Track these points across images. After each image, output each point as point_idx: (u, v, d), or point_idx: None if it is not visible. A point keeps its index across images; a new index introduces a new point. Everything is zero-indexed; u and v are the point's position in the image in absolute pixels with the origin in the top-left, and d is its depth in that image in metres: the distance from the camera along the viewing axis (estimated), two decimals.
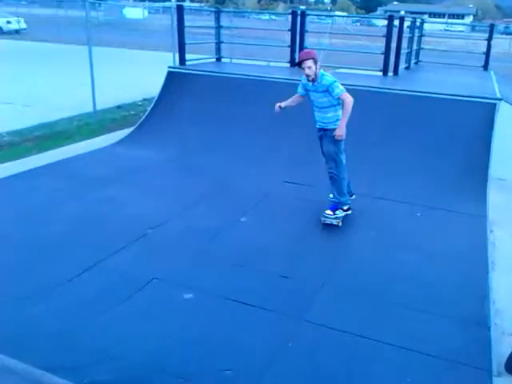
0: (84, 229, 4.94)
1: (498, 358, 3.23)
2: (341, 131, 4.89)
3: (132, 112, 10.20)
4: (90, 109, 9.55)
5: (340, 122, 4.90)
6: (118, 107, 10.61)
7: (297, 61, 4.95)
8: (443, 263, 4.51)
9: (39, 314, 3.57)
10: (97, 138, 8.20)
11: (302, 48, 10.03)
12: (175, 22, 9.70)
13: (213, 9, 11.37)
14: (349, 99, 4.82)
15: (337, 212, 5.20)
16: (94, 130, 8.68)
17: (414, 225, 5.33)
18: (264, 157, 6.96)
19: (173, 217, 5.30)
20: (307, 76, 4.89)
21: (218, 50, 10.80)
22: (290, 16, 10.26)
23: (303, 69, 4.85)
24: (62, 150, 7.44)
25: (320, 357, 3.25)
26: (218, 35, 10.66)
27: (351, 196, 5.47)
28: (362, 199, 5.77)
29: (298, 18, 9.85)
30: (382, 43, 9.25)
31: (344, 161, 5.12)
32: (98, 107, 9.64)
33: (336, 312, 3.75)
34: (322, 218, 5.19)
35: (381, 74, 9.33)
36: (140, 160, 7.09)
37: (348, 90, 7.63)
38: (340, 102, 4.92)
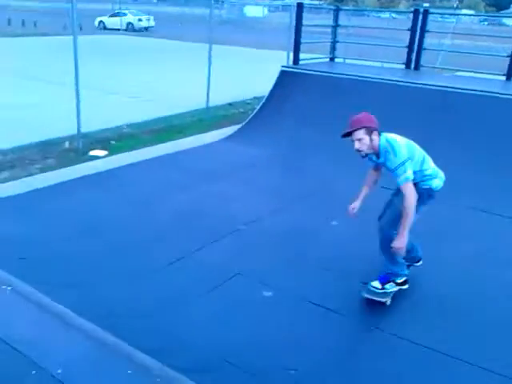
0: (183, 220, 5.22)
1: None
2: (400, 243, 3.57)
3: (241, 110, 10.49)
4: (203, 105, 9.97)
5: (399, 232, 3.56)
6: (230, 104, 10.97)
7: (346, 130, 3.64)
8: None
9: (127, 298, 3.84)
10: (208, 134, 8.55)
11: (420, 49, 9.63)
12: (293, 21, 9.79)
13: (332, 7, 11.27)
14: (410, 198, 3.50)
15: (387, 286, 3.88)
16: (205, 126, 9.05)
17: None
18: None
19: (268, 214, 5.41)
20: (357, 151, 3.63)
21: (333, 49, 10.71)
22: (411, 14, 9.87)
23: (352, 141, 3.63)
24: (174, 144, 7.87)
25: (386, 365, 3.23)
26: (334, 34, 10.57)
27: (417, 262, 4.21)
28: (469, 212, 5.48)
29: (420, 17, 9.45)
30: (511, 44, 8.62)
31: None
32: (211, 104, 10.03)
33: (412, 325, 3.67)
34: (364, 293, 3.88)
35: (504, 78, 8.68)
36: (246, 156, 7.31)
37: (465, 95, 7.34)
38: (425, 160, 3.74)
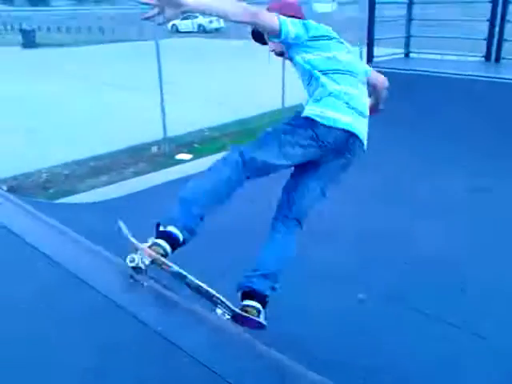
0: None
1: None
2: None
3: None
4: (279, 106, 10.19)
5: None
6: None
7: None
8: None
9: None
10: None
11: (501, 39, 9.31)
12: (363, 13, 9.78)
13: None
14: (264, 13, 2.50)
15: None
16: None
17: None
18: None
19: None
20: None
21: (407, 44, 10.57)
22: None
23: None
24: None
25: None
26: (407, 28, 10.43)
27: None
28: None
29: (500, 4, 9.11)
30: None
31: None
32: (286, 104, 10.24)
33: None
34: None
35: None
36: None
37: None
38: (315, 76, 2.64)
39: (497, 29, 9.20)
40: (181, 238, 2.44)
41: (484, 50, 9.43)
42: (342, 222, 5.34)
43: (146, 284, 2.46)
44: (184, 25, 33.77)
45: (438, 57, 10.94)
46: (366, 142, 2.69)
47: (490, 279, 4.24)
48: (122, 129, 8.87)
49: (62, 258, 2.98)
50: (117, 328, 2.40)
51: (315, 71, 2.59)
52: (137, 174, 6.92)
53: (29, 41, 26.84)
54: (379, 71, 8.47)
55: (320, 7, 39.31)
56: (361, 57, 10.50)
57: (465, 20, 12.95)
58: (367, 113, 2.72)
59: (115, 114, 10.05)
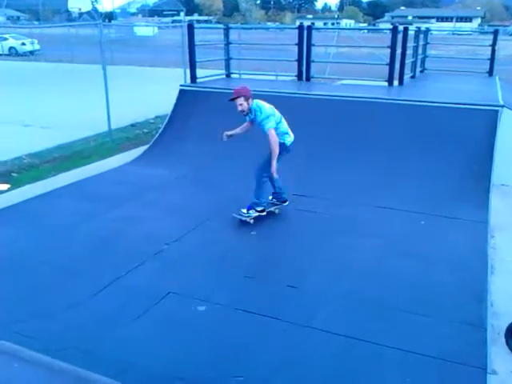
0: (102, 247, 5.20)
1: (493, 357, 3.43)
2: (272, 169, 5.48)
3: (145, 130, 10.53)
4: (105, 128, 9.85)
5: (271, 162, 5.43)
6: (132, 126, 10.94)
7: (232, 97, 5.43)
8: (443, 269, 4.72)
9: (64, 329, 3.81)
10: (112, 158, 8.50)
11: (308, 61, 10.28)
12: (184, 38, 10.05)
13: (222, 26, 11.68)
14: (273, 139, 5.34)
15: (250, 212, 5.76)
16: (109, 150, 8.99)
17: (415, 232, 5.53)
18: None
19: (187, 232, 5.55)
20: (240, 112, 5.48)
21: (228, 66, 11.10)
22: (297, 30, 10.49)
23: (236, 104, 5.42)
24: (79, 171, 7.74)
25: (325, 361, 3.48)
26: (227, 52, 10.97)
27: (283, 202, 6.08)
28: (365, 208, 6.07)
29: (305, 32, 10.11)
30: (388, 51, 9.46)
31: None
32: (113, 126, 9.94)
33: (340, 319, 3.97)
34: (235, 215, 5.79)
35: (386, 84, 9.54)
36: (154, 178, 7.36)
37: (352, 102, 8.02)
38: (280, 121, 5.55)
39: (305, 52, 10.15)
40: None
41: (296, 70, 10.37)
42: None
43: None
44: None
45: (258, 77, 11.67)
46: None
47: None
48: None
49: None
50: None
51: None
52: None
53: None
54: (200, 90, 8.79)
55: (140, 31, 39.46)
56: (184, 77, 10.71)
57: (277, 44, 14.01)
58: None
59: None
